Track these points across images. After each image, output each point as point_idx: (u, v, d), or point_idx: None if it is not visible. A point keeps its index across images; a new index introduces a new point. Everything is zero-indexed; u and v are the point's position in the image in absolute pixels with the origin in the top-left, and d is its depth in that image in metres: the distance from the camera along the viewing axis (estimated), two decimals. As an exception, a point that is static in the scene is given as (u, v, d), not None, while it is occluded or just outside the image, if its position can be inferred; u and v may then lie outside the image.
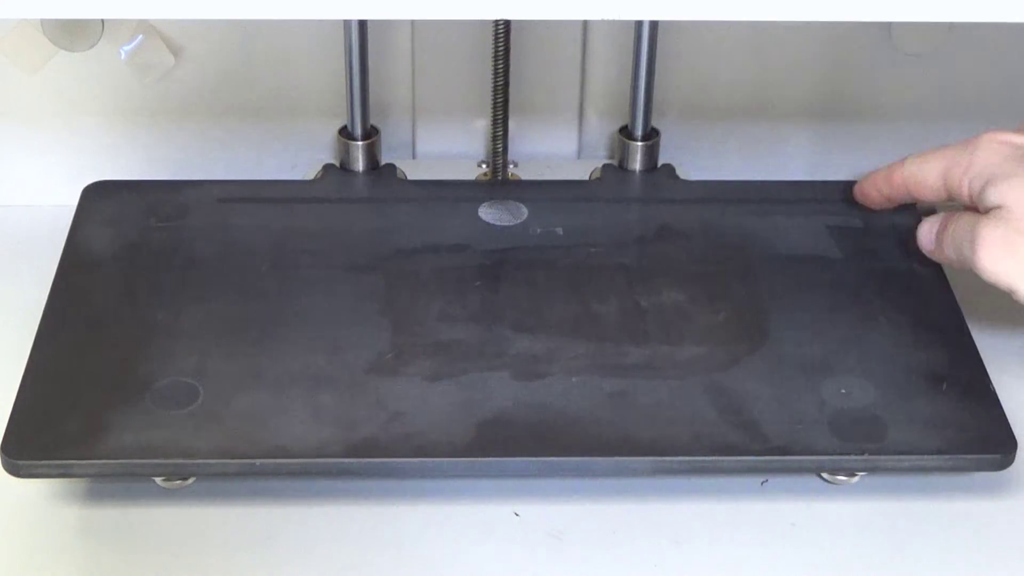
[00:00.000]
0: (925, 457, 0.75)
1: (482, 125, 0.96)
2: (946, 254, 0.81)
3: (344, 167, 0.94)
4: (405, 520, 0.75)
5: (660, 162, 0.95)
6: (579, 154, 0.98)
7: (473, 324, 0.81)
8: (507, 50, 0.90)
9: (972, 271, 0.77)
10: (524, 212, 0.90)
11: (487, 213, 0.89)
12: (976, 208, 0.79)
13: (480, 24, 0.91)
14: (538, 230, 0.88)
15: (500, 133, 0.93)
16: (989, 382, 0.78)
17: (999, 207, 0.76)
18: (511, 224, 0.89)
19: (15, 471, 0.73)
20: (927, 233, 0.84)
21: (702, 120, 0.97)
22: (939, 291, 0.85)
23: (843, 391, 0.78)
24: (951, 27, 0.92)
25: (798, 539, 0.75)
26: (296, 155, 0.96)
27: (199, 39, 0.92)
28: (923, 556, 0.74)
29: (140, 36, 0.90)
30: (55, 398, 0.76)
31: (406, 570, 0.73)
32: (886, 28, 0.93)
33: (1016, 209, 0.76)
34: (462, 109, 0.96)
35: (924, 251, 0.84)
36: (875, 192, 0.87)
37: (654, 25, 0.90)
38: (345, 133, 0.93)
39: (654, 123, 0.94)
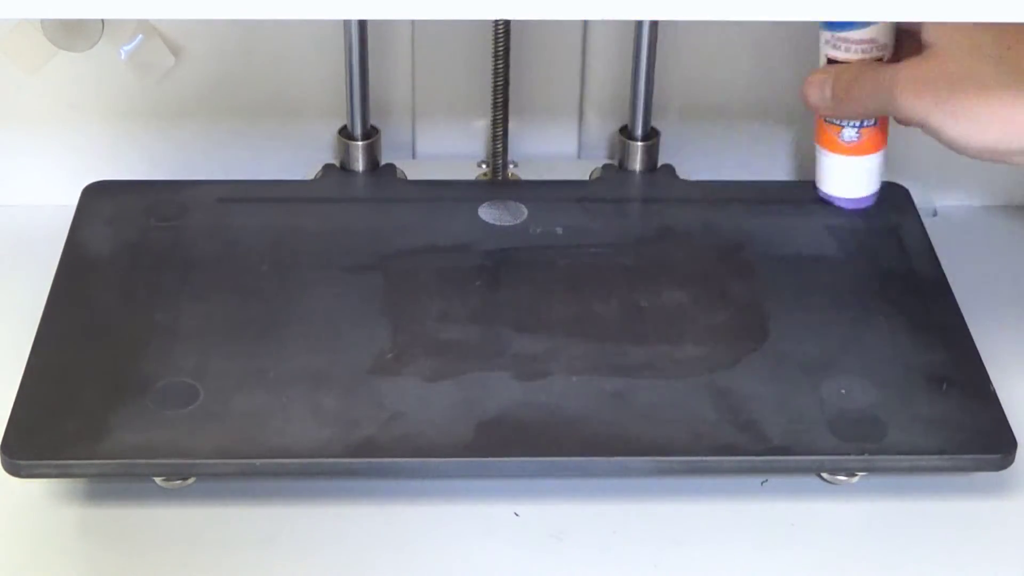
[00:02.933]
0: (925, 457, 0.75)
1: (482, 125, 0.96)
2: (848, 107, 0.84)
3: (344, 167, 0.94)
4: (405, 520, 0.75)
5: (660, 162, 0.95)
6: (579, 154, 0.98)
7: (473, 324, 0.81)
8: (507, 50, 0.90)
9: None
10: (524, 212, 0.90)
11: (487, 213, 0.89)
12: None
13: (480, 24, 0.91)
14: (538, 230, 0.88)
15: (500, 133, 0.93)
16: (989, 382, 0.78)
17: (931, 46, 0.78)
18: (511, 224, 0.89)
19: (15, 471, 0.73)
20: (817, 89, 0.85)
21: (702, 120, 0.97)
22: (939, 291, 0.85)
23: (843, 391, 0.78)
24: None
25: (798, 539, 0.75)
26: (296, 155, 0.96)
27: (199, 39, 0.92)
28: (923, 556, 0.74)
29: (140, 36, 0.90)
30: (55, 398, 0.76)
31: (406, 570, 0.73)
32: (886, 28, 0.93)
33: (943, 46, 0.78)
34: (462, 109, 0.96)
35: (813, 106, 0.86)
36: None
37: (654, 25, 0.90)
38: (345, 133, 0.93)
39: (654, 123, 0.94)
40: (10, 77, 0.92)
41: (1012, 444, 0.75)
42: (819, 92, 0.85)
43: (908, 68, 0.79)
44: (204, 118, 0.95)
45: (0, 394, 0.76)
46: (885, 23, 0.84)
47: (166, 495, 0.76)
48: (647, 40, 0.90)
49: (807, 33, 0.93)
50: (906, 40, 0.84)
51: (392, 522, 0.75)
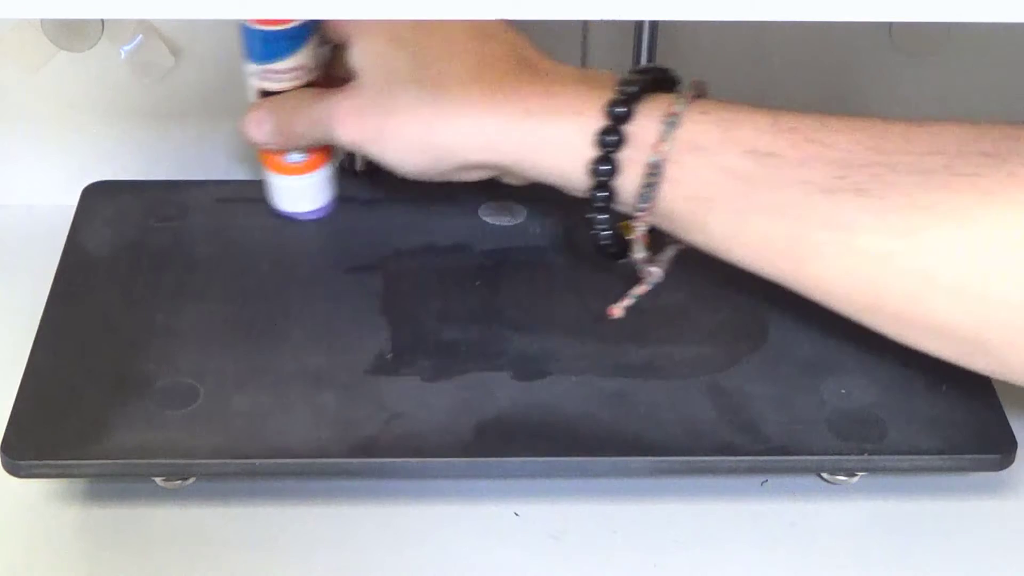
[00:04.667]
0: (925, 457, 0.75)
1: (482, 125, 0.95)
2: (292, 142, 0.83)
3: (344, 167, 0.94)
4: (405, 520, 0.75)
5: (660, 162, 0.95)
6: (579, 154, 0.98)
7: (473, 324, 0.81)
8: (507, 50, 0.90)
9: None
10: (524, 212, 0.90)
11: (487, 213, 0.89)
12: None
13: (480, 24, 0.91)
14: (538, 230, 0.88)
15: (500, 133, 0.93)
16: (989, 382, 0.78)
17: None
18: (511, 224, 0.89)
19: (15, 471, 0.73)
20: (258, 126, 0.84)
21: (702, 120, 0.97)
22: (939, 291, 0.85)
23: (843, 391, 0.78)
24: (951, 27, 0.92)
25: (798, 539, 0.75)
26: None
27: (199, 39, 0.92)
28: (923, 556, 0.74)
29: (140, 36, 0.90)
30: (55, 398, 0.76)
31: (406, 570, 0.73)
32: (886, 28, 0.93)
33: (367, 73, 0.79)
34: (462, 109, 0.96)
35: (260, 145, 0.85)
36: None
37: (654, 25, 0.90)
38: (345, 133, 0.93)
39: (654, 123, 0.94)
40: (10, 77, 0.92)
41: (1012, 444, 0.75)
42: (261, 129, 0.84)
43: (342, 99, 0.79)
44: (204, 118, 0.95)
45: (0, 394, 0.76)
46: (308, 47, 0.83)
47: (166, 495, 0.76)
48: (647, 40, 0.90)
49: (807, 33, 0.93)
50: (341, 55, 0.83)
51: (392, 522, 0.75)
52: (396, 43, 0.78)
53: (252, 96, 0.85)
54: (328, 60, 0.85)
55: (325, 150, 0.87)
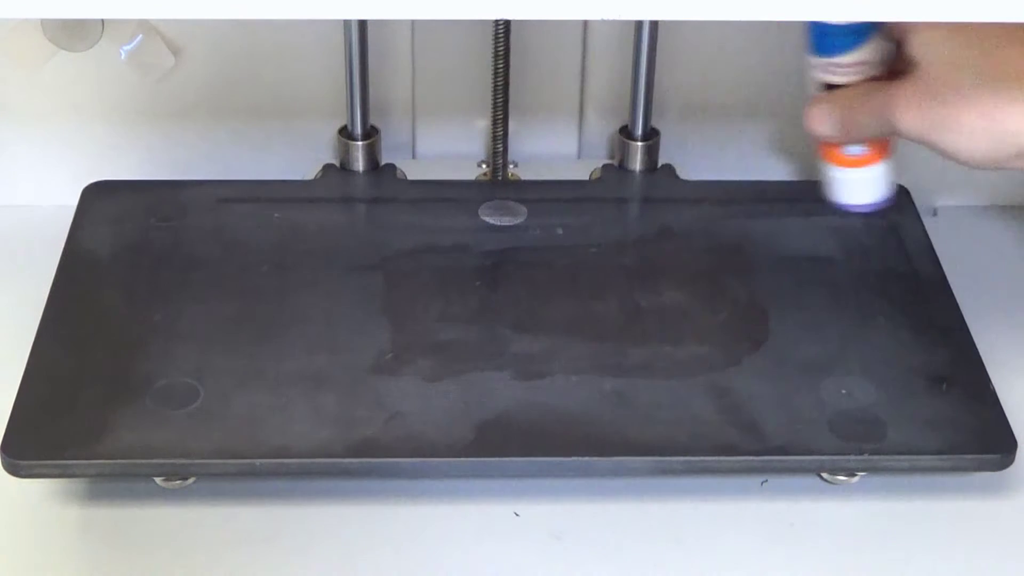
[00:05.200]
0: (925, 457, 0.75)
1: (482, 125, 0.96)
2: (854, 133, 0.82)
3: (344, 167, 0.94)
4: (405, 520, 0.75)
5: (660, 162, 0.95)
6: (579, 154, 0.98)
7: (473, 324, 0.81)
8: (507, 50, 0.90)
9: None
10: (524, 212, 0.90)
11: (487, 213, 0.89)
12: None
13: (480, 24, 0.91)
14: (538, 230, 0.88)
15: (500, 133, 0.93)
16: (989, 382, 0.78)
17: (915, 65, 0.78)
18: (511, 224, 0.89)
19: (15, 471, 0.73)
20: (820, 120, 0.83)
21: (702, 120, 0.97)
22: (939, 291, 0.85)
23: (843, 391, 0.78)
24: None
25: (798, 539, 0.75)
26: (296, 155, 0.96)
27: (199, 39, 0.92)
28: (923, 556, 0.74)
29: (140, 36, 0.90)
30: (55, 398, 0.76)
31: (406, 570, 0.73)
32: (886, 28, 0.93)
33: (927, 62, 0.77)
34: (462, 109, 0.96)
35: (821, 137, 0.83)
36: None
37: (654, 25, 0.90)
38: (345, 133, 0.93)
39: (654, 123, 0.94)
40: (10, 77, 0.92)
41: (1012, 444, 0.75)
42: (825, 122, 0.83)
43: (901, 89, 0.79)
44: (204, 118, 0.95)
45: (0, 394, 0.76)
46: (872, 42, 0.82)
47: (166, 495, 0.76)
48: (647, 40, 0.90)
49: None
50: (898, 52, 0.83)
51: (392, 522, 0.75)
52: (956, 32, 0.77)
53: (812, 89, 0.84)
54: (892, 56, 0.83)
55: (884, 144, 0.85)
